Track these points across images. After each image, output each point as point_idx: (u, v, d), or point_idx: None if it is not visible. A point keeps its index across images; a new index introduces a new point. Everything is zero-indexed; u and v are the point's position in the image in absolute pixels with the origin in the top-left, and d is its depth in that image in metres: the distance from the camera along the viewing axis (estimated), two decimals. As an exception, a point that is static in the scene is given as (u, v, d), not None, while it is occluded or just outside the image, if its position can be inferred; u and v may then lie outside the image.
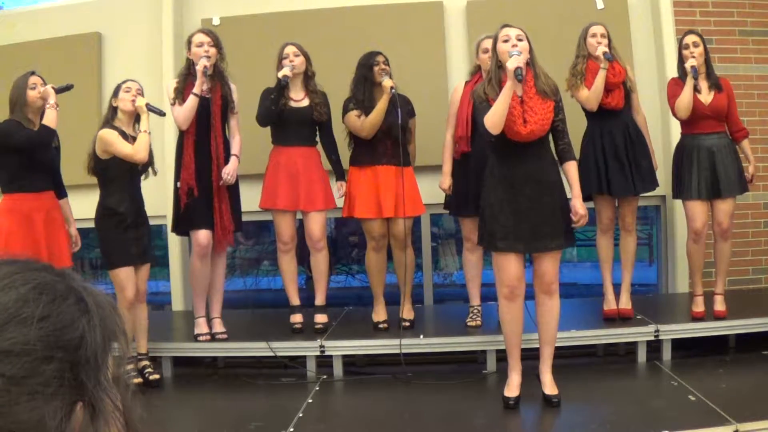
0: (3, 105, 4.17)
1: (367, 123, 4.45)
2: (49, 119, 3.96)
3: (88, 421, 0.73)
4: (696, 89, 4.34)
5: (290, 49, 4.53)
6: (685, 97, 4.28)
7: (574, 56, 4.48)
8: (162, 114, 4.19)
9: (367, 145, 4.54)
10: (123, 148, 4.03)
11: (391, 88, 4.38)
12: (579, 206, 3.65)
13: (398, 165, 4.51)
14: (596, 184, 4.38)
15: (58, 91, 4.04)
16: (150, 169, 4.29)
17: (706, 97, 4.36)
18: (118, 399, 0.77)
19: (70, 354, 0.72)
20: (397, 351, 4.33)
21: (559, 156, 3.70)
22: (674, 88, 4.39)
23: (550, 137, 3.67)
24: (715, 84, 4.37)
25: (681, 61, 4.40)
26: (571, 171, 3.69)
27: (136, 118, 4.17)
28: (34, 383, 0.69)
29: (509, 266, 3.58)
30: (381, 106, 4.41)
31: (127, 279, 4.10)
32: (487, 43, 4.34)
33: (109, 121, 4.14)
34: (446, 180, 4.54)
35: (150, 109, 4.10)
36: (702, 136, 4.38)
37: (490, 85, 3.54)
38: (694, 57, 4.29)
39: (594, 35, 4.37)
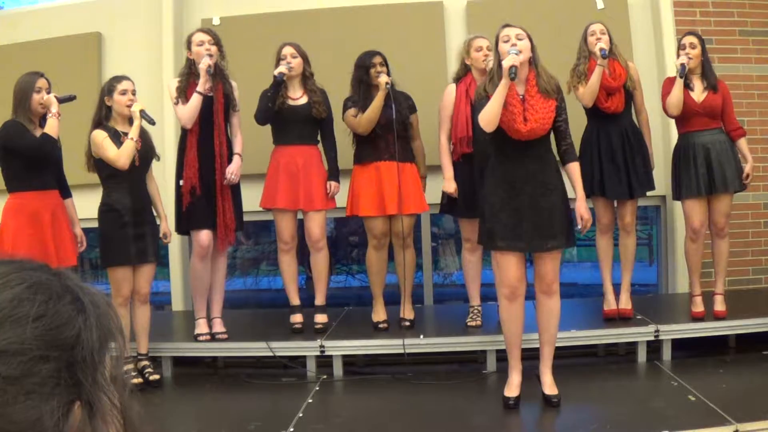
0: (3, 105, 4.18)
1: (363, 119, 4.46)
2: (51, 128, 3.94)
3: (85, 420, 0.73)
4: (689, 87, 4.35)
5: (288, 50, 4.53)
6: (674, 95, 4.29)
7: (574, 56, 4.49)
8: (153, 123, 4.13)
9: (368, 143, 4.55)
10: (107, 152, 4.02)
11: (387, 84, 4.39)
12: (583, 210, 3.65)
13: (401, 161, 4.51)
14: (589, 186, 4.38)
15: (61, 101, 4.01)
16: (153, 160, 4.30)
17: (699, 95, 4.37)
18: (116, 397, 0.77)
19: (66, 353, 0.71)
20: (398, 351, 4.34)
21: (562, 157, 3.70)
22: (668, 86, 4.42)
23: (552, 138, 3.68)
24: (711, 85, 4.38)
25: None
26: (574, 172, 3.70)
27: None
28: (31, 383, 0.69)
29: (509, 266, 3.58)
30: (377, 102, 4.41)
31: (123, 278, 4.09)
32: (480, 42, 4.39)
33: (102, 122, 4.13)
34: (451, 185, 4.46)
35: (144, 116, 4.07)
36: (697, 133, 4.40)
37: (491, 83, 3.55)
38: (689, 57, 4.30)
39: (593, 33, 4.39)
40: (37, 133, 3.98)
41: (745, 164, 4.46)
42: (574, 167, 3.70)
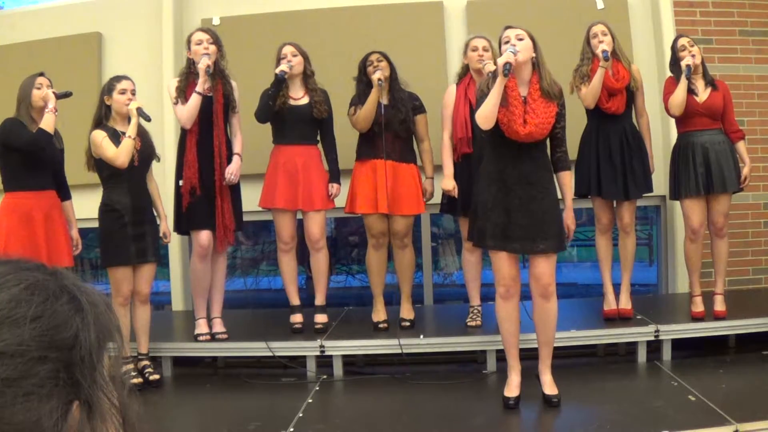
0: (3, 105, 4.18)
1: (359, 116, 4.48)
2: (47, 123, 3.95)
3: (84, 420, 0.73)
4: (693, 92, 4.35)
5: (288, 49, 4.54)
6: (678, 95, 4.30)
7: (573, 56, 4.49)
8: (149, 119, 4.14)
9: (367, 140, 4.56)
10: (106, 151, 4.03)
11: (379, 80, 4.39)
12: (570, 220, 3.70)
13: (397, 160, 4.51)
14: (587, 186, 4.40)
15: (58, 96, 4.03)
16: (154, 161, 4.31)
17: (702, 95, 4.38)
18: (115, 397, 0.77)
19: (64, 353, 0.71)
20: (398, 351, 4.34)
21: (555, 164, 3.70)
22: (670, 86, 4.42)
23: (548, 143, 3.68)
24: (711, 83, 4.40)
25: (674, 62, 4.43)
26: (565, 181, 3.72)
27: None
28: (29, 384, 0.69)
29: (502, 265, 3.58)
30: (370, 99, 4.42)
31: (123, 278, 4.09)
32: (476, 42, 4.41)
33: (101, 122, 4.13)
34: (449, 182, 4.44)
35: (140, 113, 4.08)
36: (696, 133, 4.40)
37: (492, 81, 3.55)
38: (692, 55, 4.31)
39: (595, 35, 4.39)
40: None
41: (743, 166, 4.47)
42: (566, 176, 3.72)
